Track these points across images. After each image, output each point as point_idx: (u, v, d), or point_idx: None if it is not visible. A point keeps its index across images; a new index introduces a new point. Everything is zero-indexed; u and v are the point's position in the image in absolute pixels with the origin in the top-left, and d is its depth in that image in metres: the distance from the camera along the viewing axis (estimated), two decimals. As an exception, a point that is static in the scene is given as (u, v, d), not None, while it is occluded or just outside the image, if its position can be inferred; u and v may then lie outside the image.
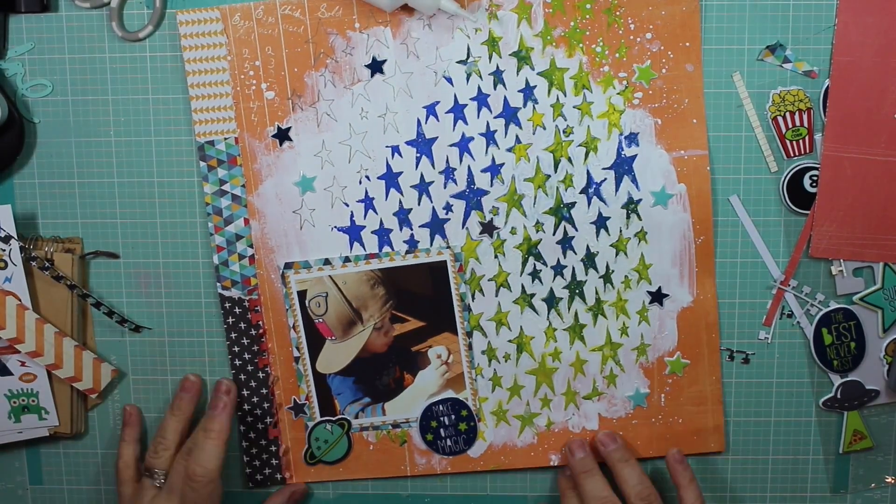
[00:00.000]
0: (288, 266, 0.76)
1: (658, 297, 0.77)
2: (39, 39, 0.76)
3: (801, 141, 0.75)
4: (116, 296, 0.79)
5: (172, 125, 0.76)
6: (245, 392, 0.78)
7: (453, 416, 0.78)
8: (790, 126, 0.75)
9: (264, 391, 0.78)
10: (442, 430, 0.79)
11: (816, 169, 0.75)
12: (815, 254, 0.76)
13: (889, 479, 0.80)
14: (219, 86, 0.74)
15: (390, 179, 0.76)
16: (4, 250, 0.75)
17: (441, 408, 0.79)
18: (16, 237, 0.76)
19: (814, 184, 0.75)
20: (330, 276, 0.76)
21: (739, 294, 0.77)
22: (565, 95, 0.74)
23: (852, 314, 0.77)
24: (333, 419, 0.79)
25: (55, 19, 0.76)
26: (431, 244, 0.76)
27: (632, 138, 0.75)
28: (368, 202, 0.76)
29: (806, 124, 0.75)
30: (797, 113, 0.75)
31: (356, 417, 0.79)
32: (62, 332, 0.76)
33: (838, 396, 0.78)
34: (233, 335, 0.78)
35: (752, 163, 0.76)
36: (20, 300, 0.76)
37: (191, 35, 0.74)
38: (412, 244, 0.76)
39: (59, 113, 0.77)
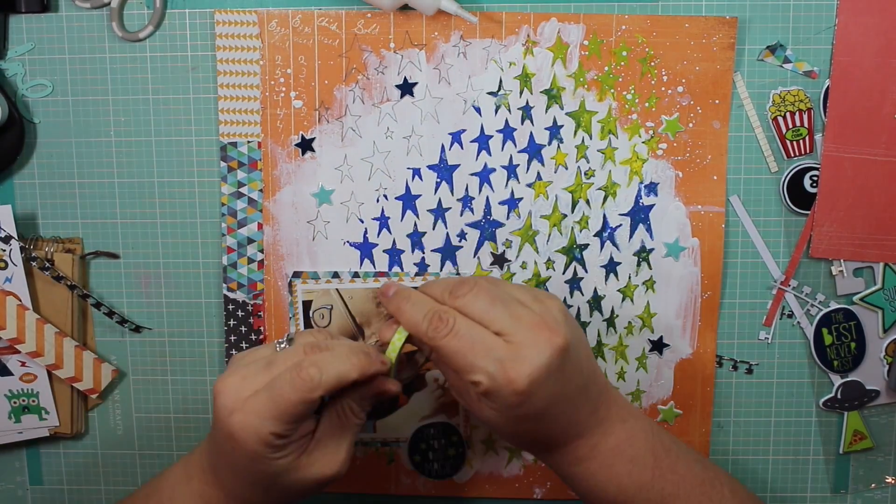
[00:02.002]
0: (296, 275, 0.76)
1: (658, 346, 0.77)
2: (40, 39, 0.76)
3: (801, 141, 0.75)
4: (116, 296, 0.79)
5: (172, 125, 0.76)
6: None
7: (443, 440, 0.78)
8: (790, 126, 0.75)
9: None
10: (430, 453, 0.79)
11: (817, 169, 0.75)
12: (815, 254, 0.76)
13: (889, 480, 0.80)
14: (248, 89, 0.74)
15: (408, 201, 0.75)
16: (5, 250, 0.75)
17: (432, 431, 0.78)
18: (16, 237, 0.76)
19: (814, 184, 0.75)
20: (337, 289, 0.76)
21: (739, 294, 0.77)
22: (591, 138, 0.74)
23: (852, 314, 0.77)
24: None
25: (55, 19, 0.76)
26: (441, 269, 0.76)
27: (651, 188, 0.75)
28: (384, 221, 0.76)
29: (806, 124, 0.75)
30: (797, 113, 0.75)
31: None
32: (62, 333, 0.76)
33: (838, 396, 0.78)
34: (232, 338, 0.78)
35: (752, 163, 0.76)
36: (20, 300, 0.76)
37: (226, 35, 0.74)
38: (422, 267, 0.76)
39: (59, 113, 0.77)
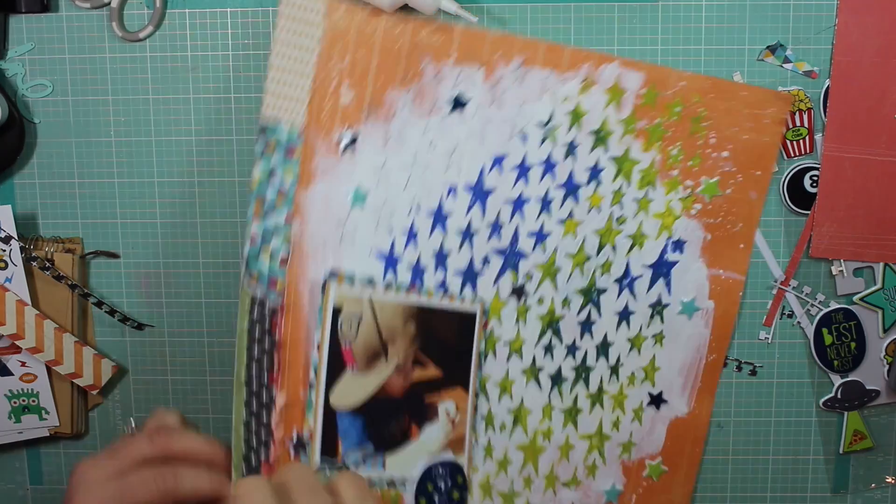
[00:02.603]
0: (332, 275, 0.71)
1: (657, 400, 0.77)
2: (40, 39, 0.76)
3: (801, 141, 0.75)
4: (117, 296, 0.79)
5: (173, 125, 0.76)
6: (244, 414, 0.69)
7: (450, 482, 0.75)
8: (790, 126, 0.75)
9: (264, 417, 0.70)
10: (436, 496, 0.75)
11: (817, 169, 0.75)
12: (815, 254, 0.76)
13: (889, 480, 0.80)
14: (300, 73, 0.70)
15: (439, 218, 0.73)
16: (5, 251, 0.76)
17: (440, 471, 0.75)
18: (16, 237, 0.76)
19: (814, 184, 0.75)
20: (370, 298, 0.72)
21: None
22: (629, 186, 0.74)
23: (852, 314, 0.77)
24: (334, 466, 0.72)
25: (55, 19, 0.76)
26: (461, 293, 0.74)
27: (679, 245, 0.75)
28: (412, 235, 0.73)
29: (806, 124, 0.75)
30: (797, 113, 0.75)
31: (356, 467, 0.72)
32: (62, 328, 0.76)
33: (838, 396, 0.78)
34: (244, 341, 0.70)
35: (752, 163, 0.76)
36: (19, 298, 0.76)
37: (289, 16, 0.70)
38: (443, 288, 0.74)
39: (59, 113, 0.77)
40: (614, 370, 0.76)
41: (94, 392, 0.79)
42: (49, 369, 0.78)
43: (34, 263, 0.76)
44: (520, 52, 0.72)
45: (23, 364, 0.78)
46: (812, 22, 0.74)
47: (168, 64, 0.76)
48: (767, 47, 0.74)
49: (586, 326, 0.76)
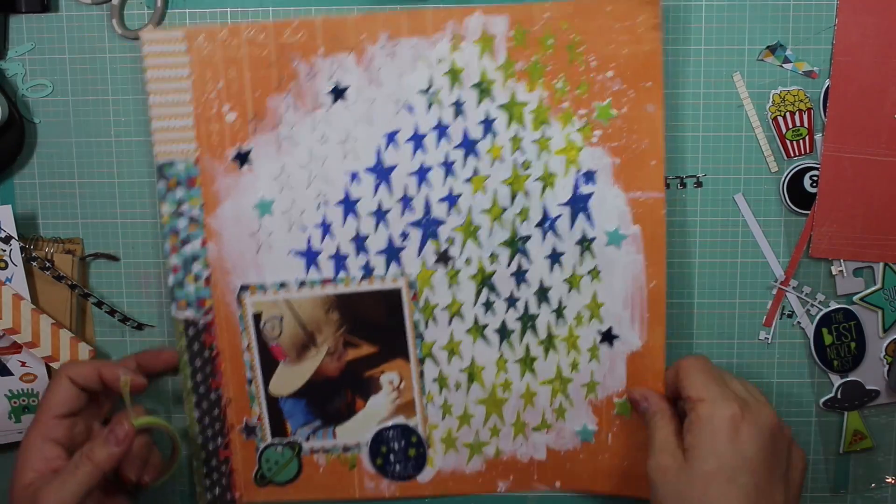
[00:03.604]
0: (244, 288, 0.76)
1: (608, 337, 0.77)
2: (40, 39, 0.76)
3: (801, 141, 0.75)
4: (117, 296, 0.79)
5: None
6: (197, 413, 0.78)
7: (403, 442, 0.78)
8: (790, 126, 0.75)
9: (216, 412, 0.78)
10: (391, 456, 0.79)
11: (817, 169, 0.75)
12: (815, 254, 0.76)
13: (889, 480, 0.80)
14: (180, 106, 0.74)
15: (348, 206, 0.75)
16: (5, 251, 0.75)
17: (391, 433, 0.78)
18: (16, 238, 0.76)
19: (814, 184, 0.75)
20: (285, 299, 0.76)
21: (740, 294, 0.77)
22: (524, 129, 0.74)
23: (852, 314, 0.77)
24: (284, 441, 0.78)
25: (55, 19, 0.76)
26: (387, 271, 0.76)
27: (589, 176, 0.75)
28: (326, 228, 0.75)
29: (806, 124, 0.75)
30: (797, 113, 0.75)
31: (307, 440, 0.78)
32: (59, 324, 0.76)
33: (838, 396, 0.78)
34: (185, 357, 0.77)
35: (752, 163, 0.76)
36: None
37: (154, 55, 0.73)
38: (368, 271, 0.76)
39: (59, 113, 0.77)
40: (559, 313, 0.76)
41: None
42: (49, 368, 0.78)
43: (34, 264, 0.76)
44: (383, 27, 0.73)
45: (23, 364, 0.78)
46: (812, 22, 0.74)
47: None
48: (767, 47, 0.74)
49: (520, 276, 0.76)
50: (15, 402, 0.79)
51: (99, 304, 0.77)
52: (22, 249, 0.76)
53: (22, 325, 0.76)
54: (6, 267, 0.76)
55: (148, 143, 0.77)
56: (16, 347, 0.77)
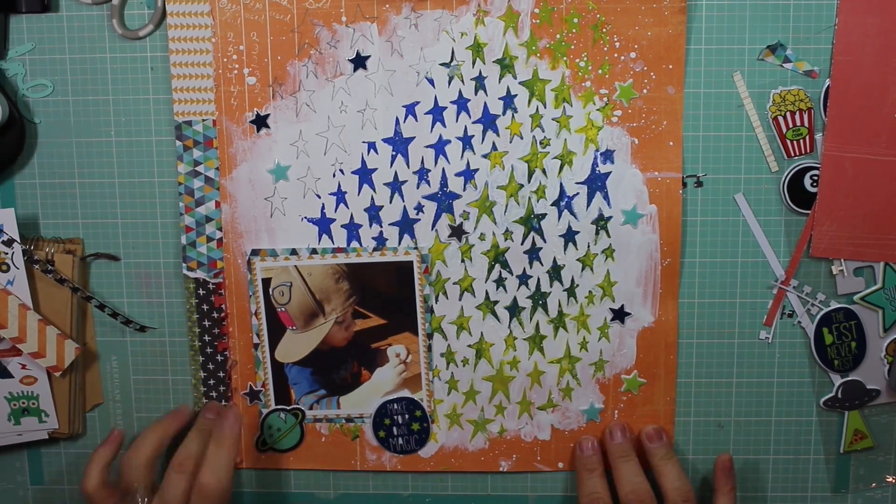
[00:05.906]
0: (255, 253, 0.76)
1: (620, 314, 0.77)
2: (40, 39, 0.76)
3: (801, 141, 0.75)
4: (117, 296, 0.79)
5: (173, 125, 0.76)
6: (203, 374, 0.79)
7: (407, 416, 0.79)
8: (790, 126, 0.75)
9: (221, 374, 0.78)
10: (395, 429, 0.79)
11: (817, 169, 0.75)
12: (815, 253, 0.76)
13: (890, 479, 0.80)
14: (201, 67, 0.74)
15: (364, 175, 0.75)
16: (7, 253, 0.75)
17: (395, 406, 0.79)
18: (19, 241, 0.75)
19: (814, 183, 0.75)
20: (296, 266, 0.76)
21: (740, 294, 0.77)
22: (545, 107, 0.74)
23: (853, 314, 0.77)
24: (288, 408, 0.79)
25: (56, 19, 0.76)
26: (399, 243, 0.76)
27: (607, 155, 0.75)
28: (340, 196, 0.76)
29: (806, 124, 0.75)
30: (797, 113, 0.75)
31: (310, 408, 0.79)
32: (64, 334, 0.76)
33: (839, 396, 0.78)
34: (195, 316, 0.78)
35: (752, 163, 0.76)
36: (20, 300, 0.76)
37: (178, 14, 0.74)
38: (380, 241, 0.76)
39: (59, 113, 0.77)
40: (570, 292, 0.77)
41: (58, 374, 0.77)
42: (50, 375, 0.78)
43: (36, 266, 0.76)
44: None
45: (23, 367, 0.78)
46: (812, 22, 0.74)
47: (169, 63, 0.76)
48: (767, 47, 0.74)
49: (533, 254, 0.76)
50: (14, 405, 0.78)
51: (101, 307, 0.77)
52: (24, 252, 0.75)
53: (28, 334, 0.75)
54: (8, 269, 0.75)
55: (149, 142, 0.77)
56: (16, 350, 0.77)
